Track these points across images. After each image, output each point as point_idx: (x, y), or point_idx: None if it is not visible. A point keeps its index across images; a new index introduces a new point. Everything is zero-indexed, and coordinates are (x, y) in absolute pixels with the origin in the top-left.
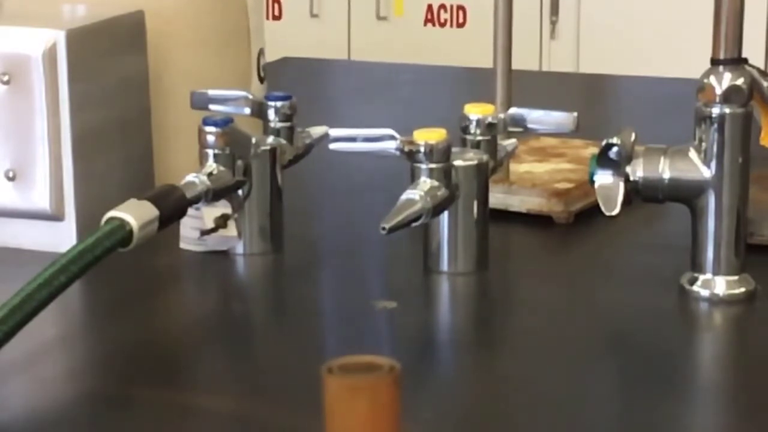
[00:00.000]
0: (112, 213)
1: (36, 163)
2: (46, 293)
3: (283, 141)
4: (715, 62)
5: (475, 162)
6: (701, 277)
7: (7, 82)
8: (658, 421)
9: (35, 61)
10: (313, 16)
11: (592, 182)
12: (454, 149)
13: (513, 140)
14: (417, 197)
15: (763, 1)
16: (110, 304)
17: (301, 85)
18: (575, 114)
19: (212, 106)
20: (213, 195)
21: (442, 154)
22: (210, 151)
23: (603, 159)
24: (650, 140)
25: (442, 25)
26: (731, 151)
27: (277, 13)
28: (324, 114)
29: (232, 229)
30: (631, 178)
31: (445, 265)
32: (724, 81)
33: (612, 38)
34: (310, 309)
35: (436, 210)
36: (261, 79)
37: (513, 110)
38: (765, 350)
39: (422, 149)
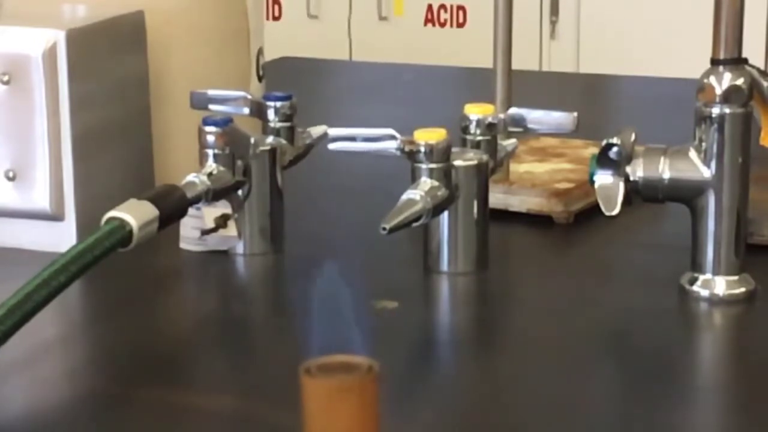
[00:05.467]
0: (112, 213)
1: (36, 163)
2: (45, 293)
3: (283, 141)
4: (715, 62)
5: (475, 162)
6: (701, 277)
7: (7, 82)
8: (658, 420)
9: (35, 61)
10: (312, 16)
11: (592, 182)
12: (454, 149)
13: (513, 140)
14: (417, 197)
15: (763, 1)
16: (110, 304)
17: (301, 85)
18: (575, 114)
19: (212, 106)
20: (213, 195)
21: (442, 154)
22: (210, 151)
23: (603, 159)
24: (650, 140)
25: (442, 25)
26: (731, 151)
27: (276, 13)
28: (324, 114)
29: (232, 229)
30: (631, 178)
31: (445, 265)
32: (724, 81)
33: (612, 38)
34: (310, 309)
35: (437, 210)
36: (260, 79)
37: (513, 110)
38: (765, 350)
39: (422, 149)
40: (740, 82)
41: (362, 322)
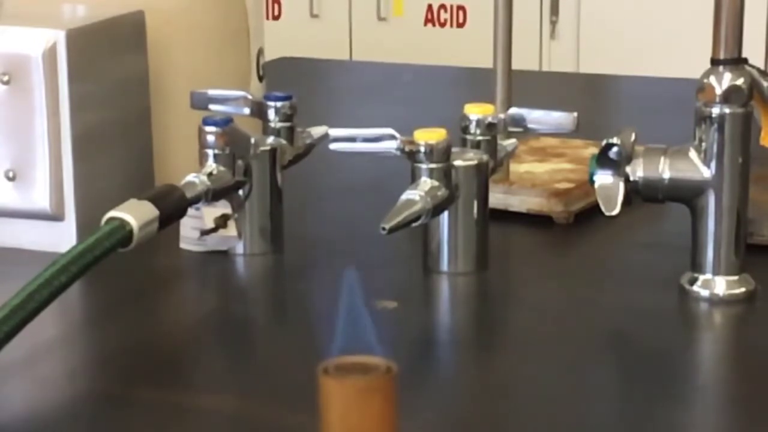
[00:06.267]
0: (112, 213)
1: (36, 163)
2: (46, 293)
3: (283, 141)
4: (715, 62)
5: (475, 162)
6: (701, 277)
7: (7, 82)
8: (658, 421)
9: (35, 61)
10: (313, 16)
11: (592, 182)
12: (454, 149)
13: (513, 140)
14: (417, 197)
15: (763, 1)
16: (110, 304)
17: (301, 85)
18: (575, 114)
19: (212, 106)
20: (213, 195)
21: (442, 154)
22: (210, 151)
23: (603, 159)
24: (650, 140)
25: (442, 25)
26: (731, 151)
27: (276, 12)
28: (324, 114)
29: (232, 229)
30: (631, 178)
31: (445, 265)
32: (724, 81)
33: (612, 38)
34: (310, 309)
35: (436, 210)
36: (260, 78)
37: (513, 110)
38: (765, 350)
39: (422, 149)
40: (740, 82)
41: (376, 323)
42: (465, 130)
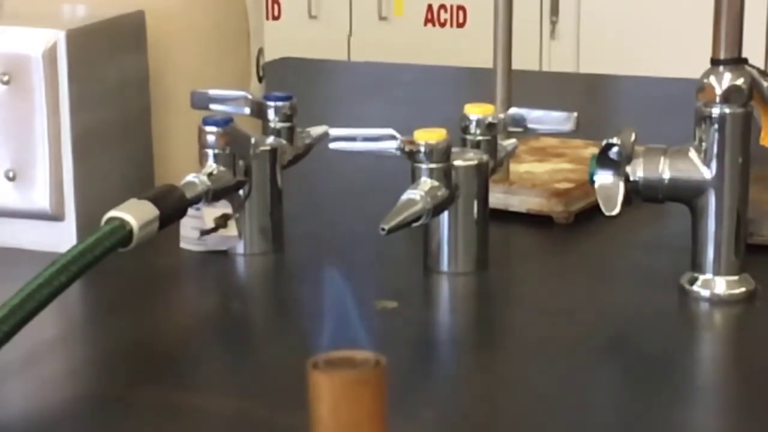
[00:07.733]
0: (112, 213)
1: (36, 163)
2: (46, 293)
3: (283, 141)
4: (715, 62)
5: (475, 162)
6: (701, 277)
7: (7, 82)
8: (658, 420)
9: (35, 61)
10: (312, 17)
11: (592, 182)
12: (454, 149)
13: (513, 140)
14: (417, 197)
15: (763, 1)
16: (110, 304)
17: (301, 85)
18: (575, 114)
19: (212, 106)
20: (213, 195)
21: (442, 154)
22: (210, 151)
23: (603, 159)
24: (650, 140)
25: (442, 25)
26: (731, 151)
27: (276, 13)
28: (324, 114)
29: (232, 229)
30: (631, 178)
31: (445, 265)
32: (724, 81)
33: (612, 38)
34: (310, 309)
35: (436, 210)
36: (260, 79)
37: (513, 110)
38: (765, 350)
39: (422, 149)
40: (740, 82)
41: (366, 319)
42: (465, 130)
